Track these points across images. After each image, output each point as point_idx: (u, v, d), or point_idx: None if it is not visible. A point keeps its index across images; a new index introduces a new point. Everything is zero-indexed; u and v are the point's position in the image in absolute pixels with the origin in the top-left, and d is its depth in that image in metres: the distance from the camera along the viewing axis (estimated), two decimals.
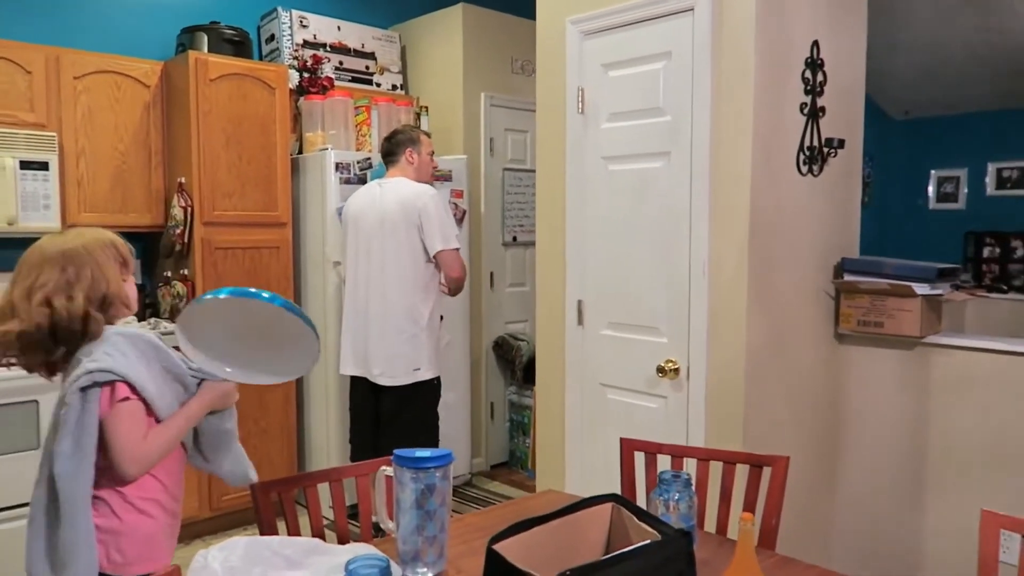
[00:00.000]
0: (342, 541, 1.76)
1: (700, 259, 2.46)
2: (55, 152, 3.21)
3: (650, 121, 2.59)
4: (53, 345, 1.55)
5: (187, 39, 3.64)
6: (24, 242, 3.44)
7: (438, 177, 3.73)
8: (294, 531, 1.73)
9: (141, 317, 3.52)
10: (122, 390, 1.52)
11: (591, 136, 2.78)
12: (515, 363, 4.43)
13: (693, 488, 1.65)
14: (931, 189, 6.26)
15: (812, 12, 2.52)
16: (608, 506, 1.29)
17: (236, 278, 3.48)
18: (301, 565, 1.40)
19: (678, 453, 2.01)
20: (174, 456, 1.66)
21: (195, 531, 3.45)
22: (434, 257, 3.08)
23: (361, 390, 3.27)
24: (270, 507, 1.72)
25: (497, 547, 1.08)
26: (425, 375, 3.13)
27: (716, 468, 1.97)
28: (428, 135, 3.31)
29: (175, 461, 1.67)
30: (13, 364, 1.59)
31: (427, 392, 3.19)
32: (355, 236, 3.22)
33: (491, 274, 4.40)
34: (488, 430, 4.47)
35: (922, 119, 5.91)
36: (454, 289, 3.17)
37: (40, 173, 3.16)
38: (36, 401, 2.97)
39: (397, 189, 3.13)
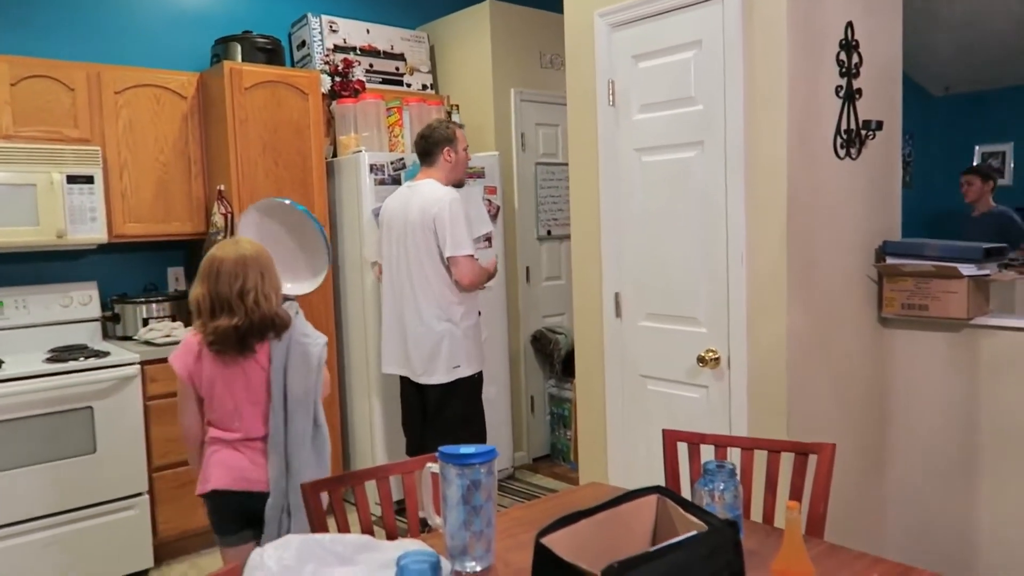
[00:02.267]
0: (390, 537, 1.80)
1: (738, 247, 2.44)
2: (99, 166, 3.30)
3: (682, 111, 2.57)
4: (257, 335, 2.05)
5: (221, 49, 3.71)
6: (73, 254, 3.59)
7: (471, 174, 3.76)
8: (343, 528, 1.77)
9: (187, 322, 3.60)
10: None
11: (623, 128, 2.77)
12: (554, 356, 4.44)
13: (738, 478, 1.64)
14: (976, 164, 6.09)
15: None
16: (653, 498, 1.29)
17: None
18: (352, 561, 1.43)
19: (721, 443, 2.00)
20: None
21: None
22: (452, 264, 3.09)
23: (405, 387, 3.32)
24: (320, 505, 1.76)
25: (545, 540, 1.09)
26: (465, 372, 3.16)
27: (760, 457, 1.96)
28: (462, 127, 3.31)
29: None
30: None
31: (468, 388, 3.22)
32: (388, 239, 3.27)
33: (527, 269, 4.41)
34: (529, 424, 4.49)
35: (964, 95, 5.77)
36: (467, 289, 3.16)
37: (86, 187, 3.25)
38: (91, 407, 3.07)
39: (422, 193, 3.15)
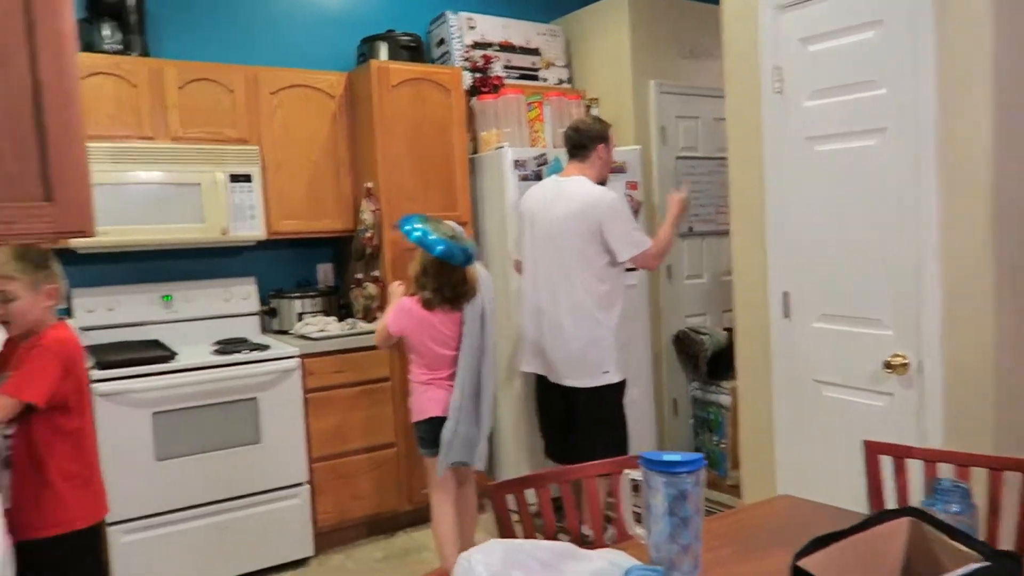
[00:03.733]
0: (574, 542, 1.73)
1: (929, 243, 2.23)
2: (258, 164, 3.42)
3: (861, 96, 2.38)
4: (460, 301, 2.80)
5: (367, 48, 3.77)
6: (232, 251, 3.73)
7: (613, 169, 3.66)
8: (529, 533, 1.72)
9: (340, 317, 3.69)
10: None
11: (791, 116, 2.60)
12: (699, 358, 4.27)
13: (974, 499, 1.48)
14: None
15: None
16: (905, 521, 1.16)
17: None
18: (557, 569, 1.37)
19: (931, 457, 1.82)
20: None
21: (397, 523, 3.58)
22: (630, 260, 3.02)
23: (544, 388, 3.25)
24: (506, 508, 1.72)
25: (802, 564, 0.99)
26: (614, 378, 3.06)
27: (978, 475, 1.78)
28: (611, 126, 3.22)
29: None
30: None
31: (614, 393, 3.12)
32: (531, 236, 3.17)
33: (668, 267, 4.27)
34: (672, 427, 4.34)
35: None
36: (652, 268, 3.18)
37: (245, 185, 3.38)
38: (256, 399, 3.18)
39: (579, 192, 3.03)
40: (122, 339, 3.36)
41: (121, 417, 2.90)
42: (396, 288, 2.96)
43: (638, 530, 1.54)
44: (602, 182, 3.16)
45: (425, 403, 2.85)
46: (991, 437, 2.14)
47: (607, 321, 3.03)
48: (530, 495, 2.16)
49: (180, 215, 3.26)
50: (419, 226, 2.75)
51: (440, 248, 2.70)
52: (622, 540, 1.75)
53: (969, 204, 2.14)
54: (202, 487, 3.08)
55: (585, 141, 3.10)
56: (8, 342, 2.22)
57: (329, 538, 3.44)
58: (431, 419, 2.83)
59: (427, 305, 2.78)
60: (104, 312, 3.37)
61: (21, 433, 2.12)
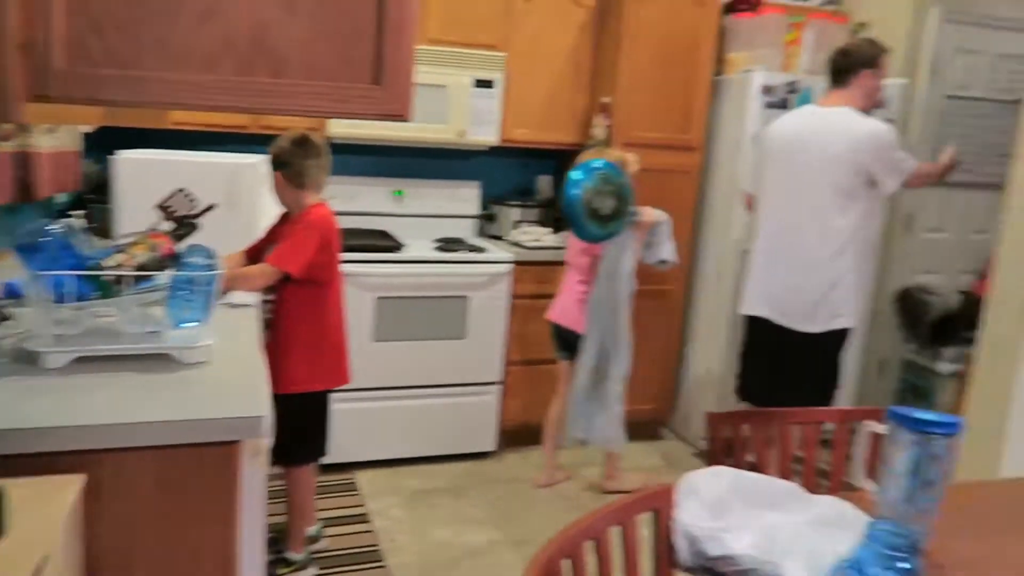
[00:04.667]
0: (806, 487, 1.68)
1: None
2: (502, 71, 3.48)
3: None
4: None
5: None
6: (463, 154, 3.87)
7: (875, 104, 3.33)
8: (740, 465, 1.69)
9: (556, 228, 3.75)
10: None
11: None
12: (922, 319, 3.91)
13: None
14: None
15: None
16: None
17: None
18: (783, 507, 1.34)
19: None
20: None
21: None
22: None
23: (762, 329, 3.10)
24: (722, 439, 1.70)
25: None
26: (843, 323, 2.84)
27: None
28: (887, 52, 2.85)
29: None
30: None
31: (837, 342, 2.89)
32: (779, 168, 2.92)
33: (908, 215, 3.89)
34: (871, 388, 4.03)
35: None
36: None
37: (487, 91, 3.46)
38: (466, 297, 3.35)
39: (845, 123, 2.74)
40: (356, 227, 3.64)
41: (348, 298, 3.15)
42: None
43: (869, 484, 1.47)
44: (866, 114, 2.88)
45: None
46: None
47: (848, 264, 2.80)
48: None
49: (425, 115, 3.41)
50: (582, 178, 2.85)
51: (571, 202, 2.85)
52: (835, 491, 1.68)
53: None
54: (409, 371, 3.33)
55: (849, 65, 2.79)
56: (282, 217, 2.47)
57: (511, 437, 3.62)
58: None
59: None
60: (345, 200, 3.64)
61: (279, 299, 2.38)
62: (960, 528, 1.45)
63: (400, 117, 0.95)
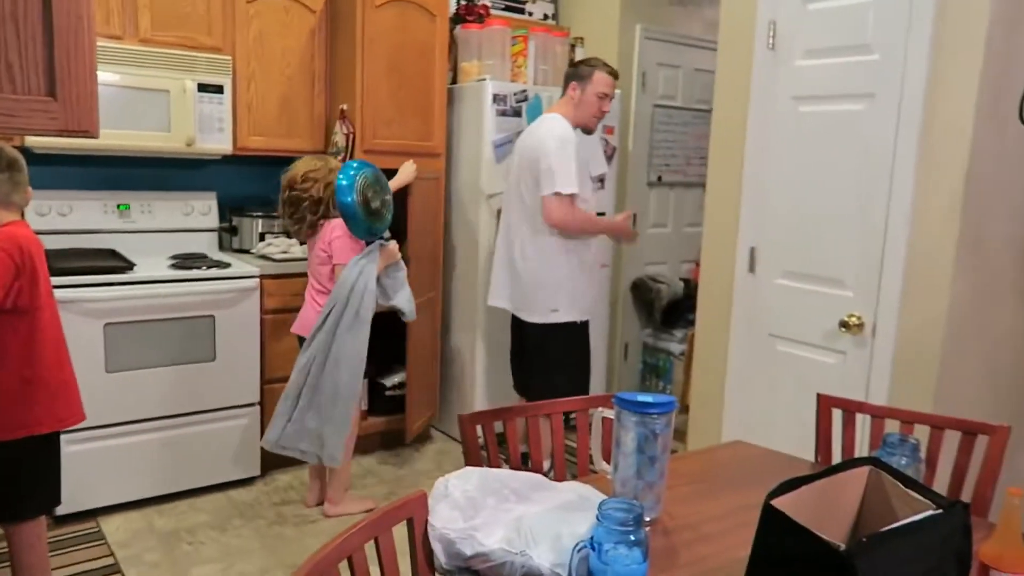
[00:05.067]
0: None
1: (902, 210, 2.30)
2: (229, 76, 3.30)
3: (854, 59, 2.40)
4: None
5: None
6: (196, 163, 3.62)
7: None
8: (495, 464, 1.76)
9: (303, 240, 3.62)
10: None
11: (782, 74, 2.61)
12: (653, 305, 4.36)
13: (922, 454, 1.57)
14: None
15: None
16: (865, 470, 1.23)
17: (397, 206, 3.51)
18: (529, 499, 1.42)
19: (880, 414, 1.92)
20: None
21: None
22: (550, 205, 2.90)
23: (512, 323, 3.28)
24: (475, 439, 1.75)
25: (775, 503, 1.05)
26: (563, 318, 3.06)
27: (919, 433, 1.87)
28: (613, 75, 3.05)
29: None
30: None
31: (567, 334, 3.10)
32: (508, 173, 3.21)
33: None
34: (620, 371, 4.45)
35: None
36: (559, 229, 2.96)
37: (216, 96, 3.25)
38: (213, 316, 3.13)
39: (538, 128, 3.02)
40: (76, 247, 3.26)
41: (70, 327, 2.81)
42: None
43: (604, 465, 1.60)
44: (586, 130, 3.08)
45: None
46: (931, 399, 2.26)
47: (558, 261, 3.01)
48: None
49: (145, 122, 3.13)
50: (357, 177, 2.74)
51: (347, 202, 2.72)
52: (582, 476, 1.82)
53: (944, 176, 2.21)
54: (152, 401, 3.05)
55: (565, 77, 3.08)
56: None
57: (277, 458, 3.45)
58: None
59: None
60: (56, 217, 3.25)
61: None
62: (688, 494, 1.64)
63: (86, 133, 0.85)
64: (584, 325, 3.17)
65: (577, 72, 3.05)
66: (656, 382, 4.44)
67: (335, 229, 2.87)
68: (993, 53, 2.13)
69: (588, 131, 3.10)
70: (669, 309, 4.34)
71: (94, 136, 0.86)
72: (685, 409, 3.44)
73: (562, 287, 3.05)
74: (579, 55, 3.97)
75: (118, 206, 3.40)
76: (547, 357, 3.13)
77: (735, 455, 1.92)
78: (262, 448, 3.35)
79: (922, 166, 2.25)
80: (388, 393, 3.80)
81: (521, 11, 4.19)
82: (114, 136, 3.07)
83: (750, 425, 2.77)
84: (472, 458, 1.74)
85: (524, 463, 2.21)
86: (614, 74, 3.06)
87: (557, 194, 2.88)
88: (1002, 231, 2.34)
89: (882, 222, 2.35)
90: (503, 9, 4.10)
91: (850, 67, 2.41)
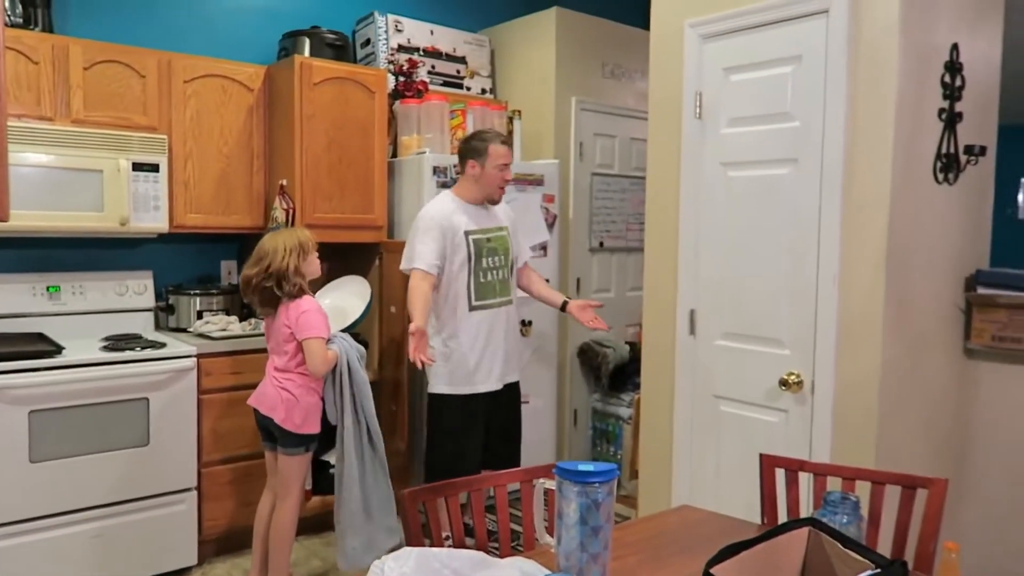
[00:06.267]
0: (480, 550, 1.73)
1: (830, 270, 2.37)
2: (165, 154, 3.27)
3: (776, 127, 2.51)
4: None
5: (290, 43, 3.68)
6: (131, 242, 3.55)
7: (530, 181, 3.68)
8: (438, 541, 1.71)
9: (241, 317, 3.56)
10: None
11: (709, 141, 2.71)
12: (601, 370, 4.36)
13: (863, 512, 1.57)
14: (1021, 198, 6.00)
15: (954, 13, 2.41)
16: (805, 531, 1.22)
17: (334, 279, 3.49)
18: None
19: (821, 471, 1.93)
20: None
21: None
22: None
23: None
24: (417, 516, 1.70)
25: (715, 571, 1.03)
26: (434, 389, 3.00)
27: (861, 489, 1.89)
28: (507, 143, 3.03)
29: None
30: None
31: (438, 406, 3.01)
32: None
33: (578, 280, 4.35)
34: (571, 437, 4.41)
35: (1011, 126, 5.68)
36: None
37: (151, 175, 3.22)
38: (147, 399, 3.02)
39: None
40: (1, 331, 3.13)
41: None
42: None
43: (548, 539, 1.56)
44: (492, 201, 3.04)
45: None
46: (872, 453, 2.28)
47: (439, 330, 2.98)
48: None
49: (77, 202, 3.07)
50: None
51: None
52: (528, 549, 1.77)
53: (867, 235, 2.29)
54: (81, 491, 2.89)
55: (459, 156, 3.04)
56: None
57: (215, 546, 3.30)
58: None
59: None
60: None
61: None
62: (633, 564, 1.60)
63: None
64: (457, 402, 2.98)
65: (472, 148, 2.99)
66: (607, 447, 4.41)
67: (300, 305, 2.75)
68: (904, 118, 2.25)
69: (494, 202, 3.05)
70: (616, 373, 4.35)
71: (4, 220, 0.83)
72: (635, 474, 3.41)
73: (438, 358, 2.92)
74: (516, 128, 4.06)
75: (48, 288, 3.30)
76: (428, 429, 3.08)
77: (681, 521, 1.90)
78: (199, 536, 3.20)
79: (847, 227, 2.33)
80: (332, 471, 3.67)
81: (459, 86, 4.29)
82: (43, 217, 3.00)
83: (699, 487, 2.76)
84: (413, 538, 1.68)
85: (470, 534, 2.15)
86: (507, 142, 3.04)
87: (411, 270, 2.90)
88: (927, 289, 2.43)
89: (813, 281, 2.42)
90: (441, 84, 4.19)
91: (773, 134, 2.51)
